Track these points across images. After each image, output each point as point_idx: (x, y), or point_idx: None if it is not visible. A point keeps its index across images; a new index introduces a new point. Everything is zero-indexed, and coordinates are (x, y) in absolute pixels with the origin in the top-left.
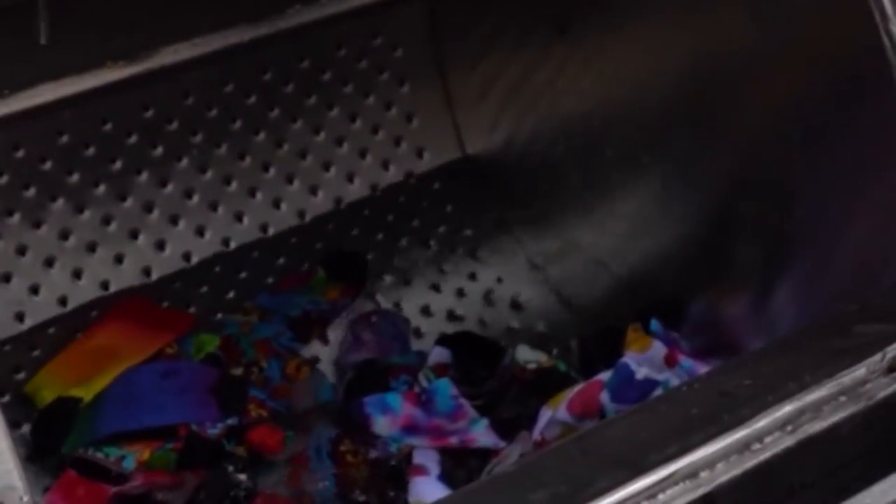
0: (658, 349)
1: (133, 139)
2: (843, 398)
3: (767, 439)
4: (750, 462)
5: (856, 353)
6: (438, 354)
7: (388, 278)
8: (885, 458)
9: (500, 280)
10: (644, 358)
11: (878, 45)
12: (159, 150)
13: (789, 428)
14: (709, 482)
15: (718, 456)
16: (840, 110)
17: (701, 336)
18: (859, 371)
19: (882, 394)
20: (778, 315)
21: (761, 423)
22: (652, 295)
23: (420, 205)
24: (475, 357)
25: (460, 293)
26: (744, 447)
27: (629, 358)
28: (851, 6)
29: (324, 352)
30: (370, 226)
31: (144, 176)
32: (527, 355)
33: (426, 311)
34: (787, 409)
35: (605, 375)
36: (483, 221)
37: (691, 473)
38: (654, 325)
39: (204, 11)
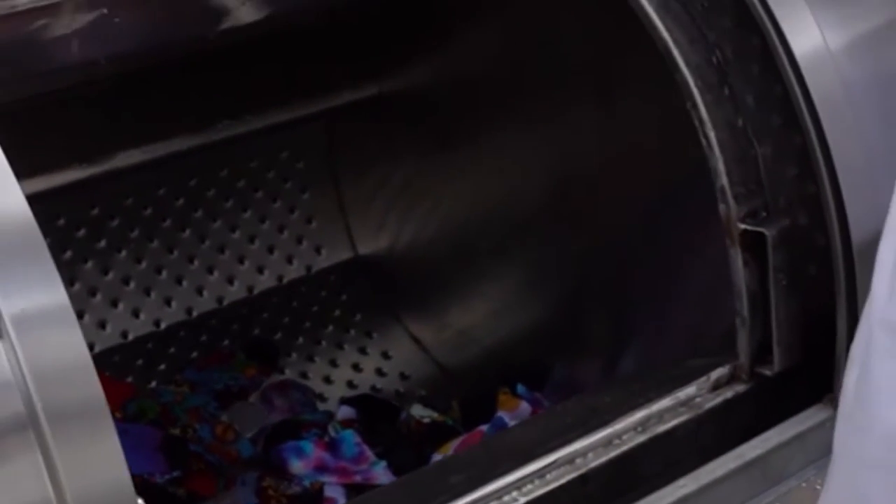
0: (525, 408)
1: (81, 232)
2: (681, 409)
3: (625, 436)
4: (613, 452)
5: (688, 376)
6: (345, 412)
7: (294, 354)
8: (711, 452)
9: (387, 355)
10: (514, 416)
11: (701, 147)
12: (102, 243)
13: (640, 429)
14: (582, 466)
15: (589, 448)
16: (672, 201)
17: (560, 395)
18: (691, 388)
19: (708, 405)
20: (625, 374)
21: (619, 425)
22: (517, 362)
23: (319, 294)
24: (375, 415)
25: (355, 366)
26: (608, 442)
27: (503, 414)
28: (679, 119)
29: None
30: (278, 311)
31: (90, 264)
32: (421, 412)
33: (328, 380)
34: (638, 415)
35: (484, 427)
36: (372, 307)
37: (569, 460)
38: (521, 388)
39: (157, 119)
